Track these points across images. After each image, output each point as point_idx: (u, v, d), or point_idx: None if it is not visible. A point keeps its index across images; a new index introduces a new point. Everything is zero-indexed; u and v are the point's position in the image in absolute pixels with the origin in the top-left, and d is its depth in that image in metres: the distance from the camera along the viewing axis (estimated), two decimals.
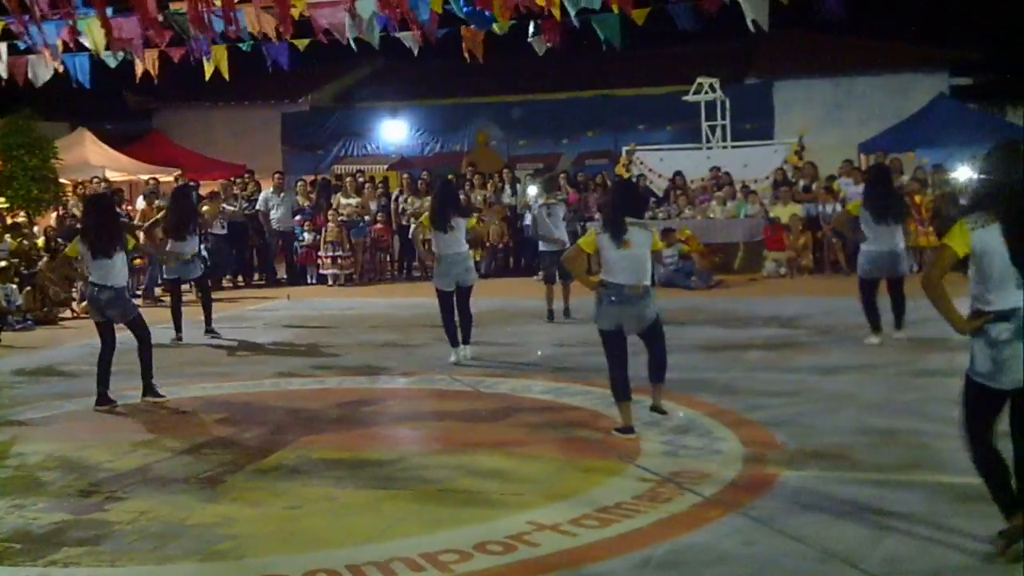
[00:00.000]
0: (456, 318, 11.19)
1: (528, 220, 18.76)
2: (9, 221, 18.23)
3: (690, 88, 22.14)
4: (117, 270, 9.71)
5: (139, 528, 6.26)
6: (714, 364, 10.56)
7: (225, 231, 19.69)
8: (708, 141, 22.15)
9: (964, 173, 18.34)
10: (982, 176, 5.32)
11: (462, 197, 16.45)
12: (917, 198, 17.59)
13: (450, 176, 18.25)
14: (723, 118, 21.94)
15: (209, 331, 13.65)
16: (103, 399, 9.76)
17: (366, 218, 20.79)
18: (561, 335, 12.72)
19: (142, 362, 9.91)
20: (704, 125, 22.13)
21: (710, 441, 7.62)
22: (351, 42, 12.36)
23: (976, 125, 21.61)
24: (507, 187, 21.18)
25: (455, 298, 11.16)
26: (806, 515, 5.91)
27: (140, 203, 20.03)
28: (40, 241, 17.67)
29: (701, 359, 10.79)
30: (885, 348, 10.91)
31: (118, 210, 14.76)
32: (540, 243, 14.21)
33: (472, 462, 7.38)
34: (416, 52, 13.60)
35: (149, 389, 9.92)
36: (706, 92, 21.92)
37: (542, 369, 10.65)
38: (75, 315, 16.29)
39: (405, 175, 23.22)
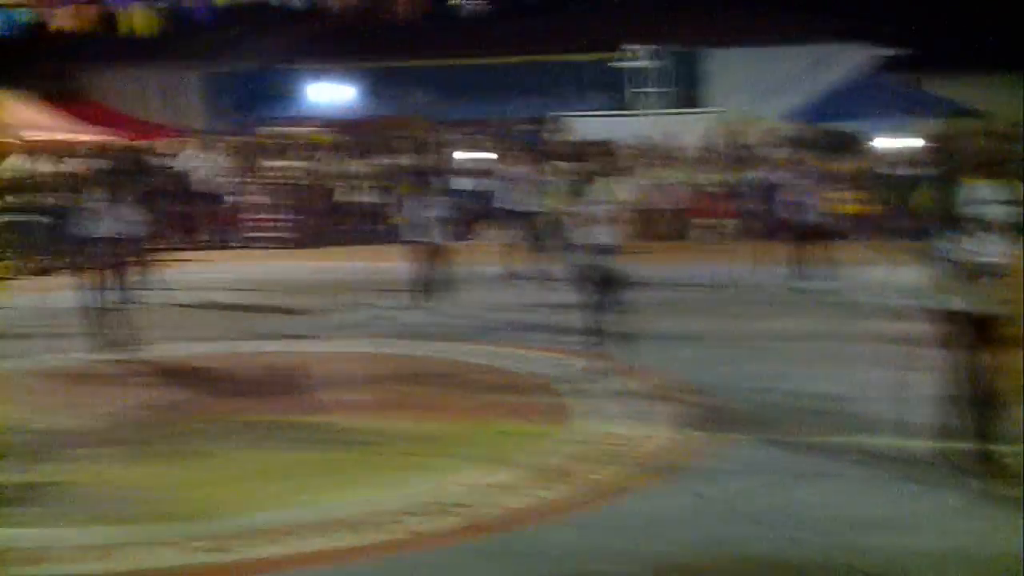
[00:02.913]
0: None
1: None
2: None
3: (617, 55, 22.28)
4: None
5: (83, 490, 6.26)
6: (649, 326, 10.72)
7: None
8: (635, 109, 22.34)
9: (884, 144, 18.79)
10: None
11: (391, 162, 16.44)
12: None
13: None
14: (651, 85, 22.12)
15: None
16: None
17: (292, 180, 20.61)
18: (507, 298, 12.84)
19: None
20: (635, 92, 22.29)
21: (641, 406, 7.77)
22: (275, 2, 12.20)
23: (896, 96, 22.06)
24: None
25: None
26: (737, 477, 6.08)
27: None
28: None
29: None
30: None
31: None
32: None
33: (403, 426, 7.46)
34: (344, 14, 13.48)
35: None
36: (633, 59, 22.07)
37: (477, 334, 10.73)
38: None
39: (333, 138, 23.07)
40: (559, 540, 5.26)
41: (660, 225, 19.42)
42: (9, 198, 18.15)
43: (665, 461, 6.44)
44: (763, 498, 5.71)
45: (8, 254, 16.56)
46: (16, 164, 19.12)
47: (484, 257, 14.93)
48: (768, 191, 12.99)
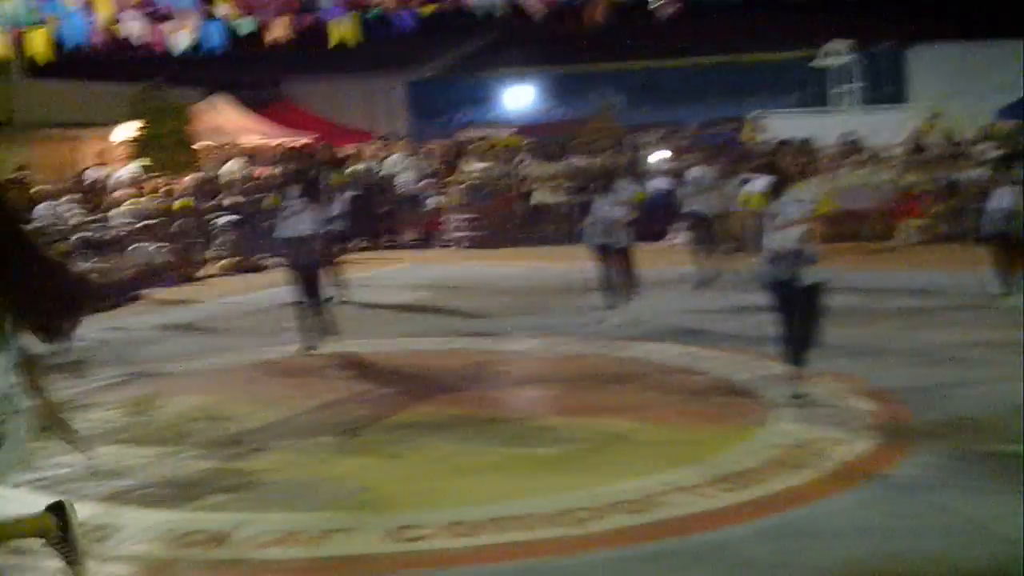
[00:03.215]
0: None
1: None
2: (155, 185, 18.94)
3: (818, 53, 21.74)
4: None
5: (284, 478, 6.55)
6: (844, 332, 10.42)
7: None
8: (836, 107, 21.74)
9: None
10: None
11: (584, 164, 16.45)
12: None
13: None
14: (853, 83, 21.48)
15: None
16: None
17: (490, 183, 20.95)
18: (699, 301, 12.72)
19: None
20: (835, 90, 21.70)
21: (841, 410, 7.56)
22: (475, 9, 12.45)
23: None
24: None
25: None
26: (938, 487, 5.84)
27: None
28: (184, 202, 18.30)
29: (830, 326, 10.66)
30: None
31: None
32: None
33: (601, 424, 7.48)
34: (539, 19, 13.61)
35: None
36: (835, 56, 21.48)
37: (674, 334, 10.66)
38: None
39: (528, 141, 23.34)
40: (749, 545, 5.17)
41: (862, 227, 18.79)
42: (224, 200, 19.14)
43: (860, 469, 6.24)
44: (960, 510, 5.46)
45: (224, 253, 17.48)
46: (231, 167, 20.12)
47: (675, 259, 14.82)
48: (977, 193, 12.39)
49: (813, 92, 23.26)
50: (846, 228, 18.29)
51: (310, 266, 10.44)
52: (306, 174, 13.70)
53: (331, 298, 13.58)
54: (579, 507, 5.67)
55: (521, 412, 8.08)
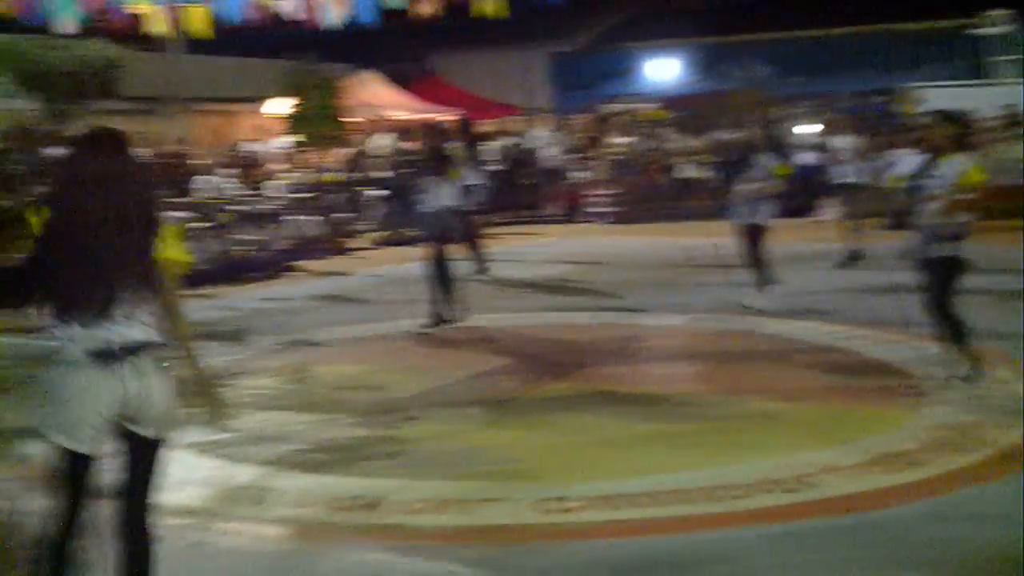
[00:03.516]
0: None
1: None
2: (306, 159, 19.47)
3: (976, 22, 20.91)
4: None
5: (434, 447, 6.71)
6: (1002, 313, 10.08)
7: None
8: (993, 78, 20.89)
9: None
10: None
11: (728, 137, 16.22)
12: None
13: None
14: (1011, 53, 20.61)
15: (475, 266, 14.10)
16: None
17: (634, 157, 20.87)
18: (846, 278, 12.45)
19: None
20: (992, 61, 20.87)
21: (1000, 392, 7.32)
22: None
23: None
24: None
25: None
26: None
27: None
28: (335, 176, 18.77)
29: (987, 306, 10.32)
30: None
31: None
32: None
33: (750, 403, 7.41)
34: None
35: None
36: (994, 25, 20.63)
37: (820, 312, 10.48)
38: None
39: (673, 114, 23.13)
40: (906, 525, 5.06)
41: (1019, 204, 18.06)
42: (372, 174, 19.56)
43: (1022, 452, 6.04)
44: None
45: (373, 226, 17.88)
46: (378, 142, 20.52)
47: (822, 235, 14.52)
48: None
49: (968, 63, 22.39)
50: (1002, 204, 17.64)
51: (447, 240, 10.53)
52: (444, 149, 13.87)
53: (474, 271, 13.84)
54: (730, 484, 5.64)
55: (667, 388, 8.06)
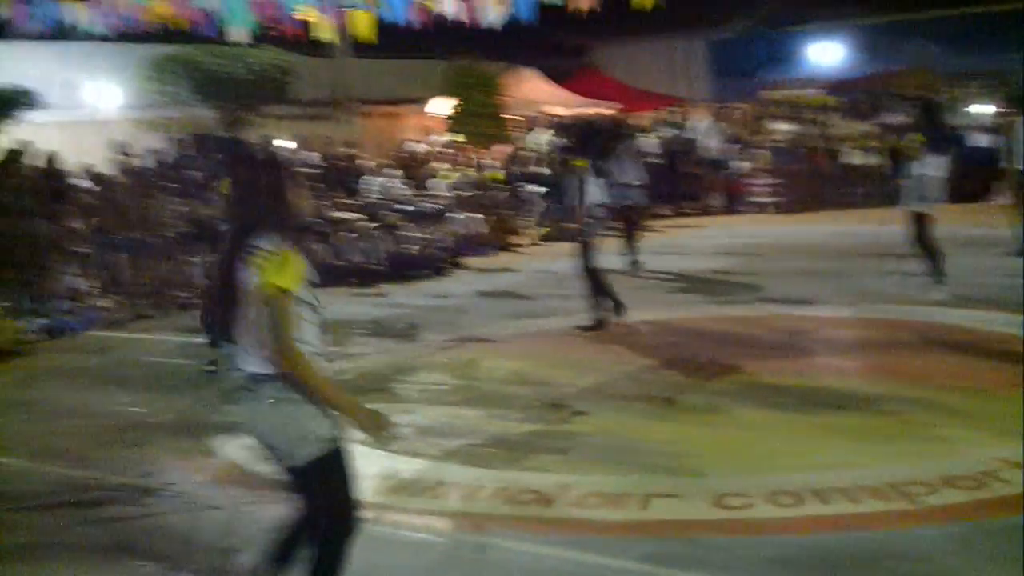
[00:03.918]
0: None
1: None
2: (468, 157, 19.78)
3: None
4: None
5: (605, 441, 6.75)
6: None
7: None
8: None
9: None
10: None
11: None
12: None
13: None
14: None
15: (633, 259, 14.07)
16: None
17: (798, 144, 20.44)
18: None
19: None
20: None
21: None
22: None
23: None
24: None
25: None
26: None
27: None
28: (496, 173, 19.01)
29: None
30: None
31: None
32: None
33: (926, 395, 7.21)
34: None
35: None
36: None
37: (997, 301, 10.08)
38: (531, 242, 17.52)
39: (839, 98, 22.54)
40: None
41: None
42: (532, 170, 19.73)
43: None
44: None
45: (535, 222, 18.03)
46: (538, 138, 20.67)
47: (995, 220, 13.97)
48: None
49: None
50: None
51: (593, 236, 10.44)
52: (600, 143, 13.81)
53: (631, 264, 13.82)
54: (908, 480, 5.52)
55: (837, 380, 7.91)
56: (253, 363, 3.76)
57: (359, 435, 3.83)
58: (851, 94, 22.54)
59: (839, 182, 20.13)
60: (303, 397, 3.70)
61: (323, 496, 3.88)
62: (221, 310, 3.78)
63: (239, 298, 3.73)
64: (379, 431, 3.82)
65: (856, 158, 19.72)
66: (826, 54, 26.79)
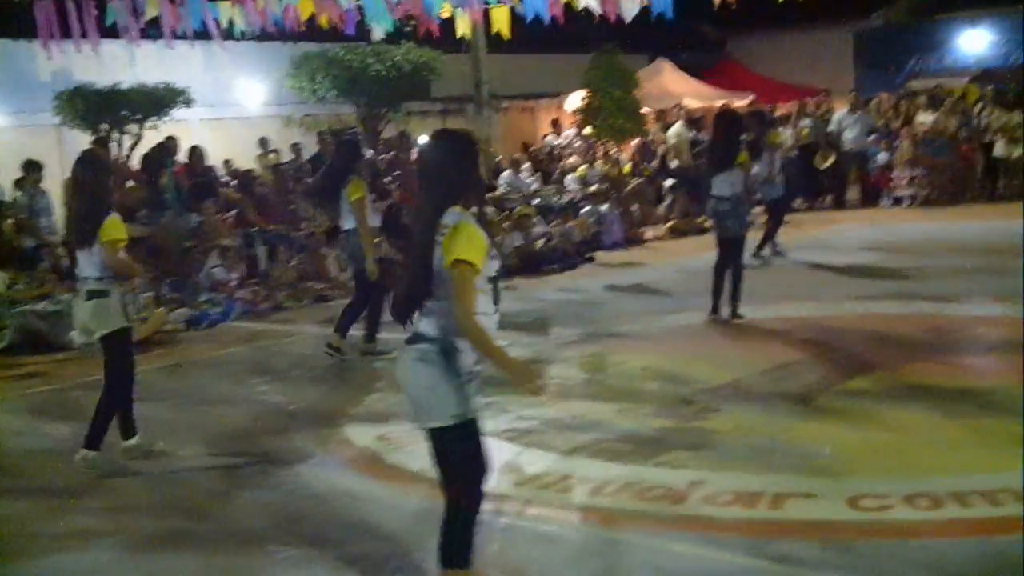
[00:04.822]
0: None
1: None
2: (601, 152, 19.73)
3: None
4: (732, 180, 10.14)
5: (739, 439, 6.66)
6: None
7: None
8: None
9: None
10: None
11: None
12: None
13: None
14: None
15: (759, 254, 13.76)
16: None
17: (944, 136, 19.76)
18: None
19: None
20: None
21: None
22: None
23: None
24: None
25: None
26: None
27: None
28: (627, 167, 18.94)
29: None
30: None
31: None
32: None
33: None
34: None
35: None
36: None
37: None
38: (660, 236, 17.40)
39: (988, 88, 21.69)
40: None
41: None
42: (670, 163, 19.59)
43: None
44: None
45: (671, 216, 17.91)
46: (675, 131, 20.47)
47: None
48: None
49: None
50: None
51: (734, 229, 10.28)
52: (735, 136, 13.50)
53: (769, 259, 13.58)
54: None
55: (984, 381, 7.64)
56: (426, 324, 4.10)
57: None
58: (1001, 83, 21.65)
59: (989, 175, 19.42)
60: (451, 365, 4.02)
61: (453, 469, 4.18)
62: (416, 288, 4.09)
63: (432, 275, 4.04)
64: (534, 387, 4.16)
65: (1005, 150, 18.97)
66: (974, 43, 25.80)
